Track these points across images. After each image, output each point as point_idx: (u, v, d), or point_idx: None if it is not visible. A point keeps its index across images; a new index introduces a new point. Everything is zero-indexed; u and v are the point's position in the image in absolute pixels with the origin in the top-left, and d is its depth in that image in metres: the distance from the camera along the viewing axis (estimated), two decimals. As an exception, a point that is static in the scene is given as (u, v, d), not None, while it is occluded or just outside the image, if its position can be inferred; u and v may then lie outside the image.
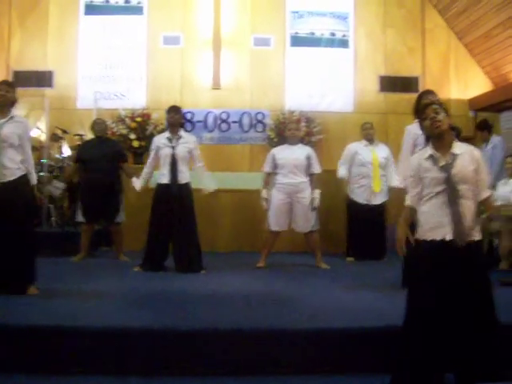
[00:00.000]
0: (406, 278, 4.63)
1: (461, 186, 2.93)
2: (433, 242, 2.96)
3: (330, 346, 3.47)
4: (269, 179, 6.28)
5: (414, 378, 2.93)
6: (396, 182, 6.55)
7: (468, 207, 2.94)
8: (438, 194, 2.97)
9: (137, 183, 6.02)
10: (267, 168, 6.27)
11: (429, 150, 3.04)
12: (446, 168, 2.94)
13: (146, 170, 6.03)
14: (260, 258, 6.20)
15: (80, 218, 6.53)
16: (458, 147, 3.03)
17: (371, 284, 5.11)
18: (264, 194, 6.21)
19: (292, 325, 3.59)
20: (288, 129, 6.41)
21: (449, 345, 2.92)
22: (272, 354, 3.43)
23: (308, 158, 6.21)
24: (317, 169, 6.25)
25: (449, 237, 2.92)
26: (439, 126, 2.99)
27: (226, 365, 3.38)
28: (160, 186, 5.80)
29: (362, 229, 6.80)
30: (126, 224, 6.69)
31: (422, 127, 3.14)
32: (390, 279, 5.13)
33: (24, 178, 4.47)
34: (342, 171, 6.92)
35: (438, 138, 3.02)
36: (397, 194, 5.87)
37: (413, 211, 3.13)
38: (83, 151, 6.66)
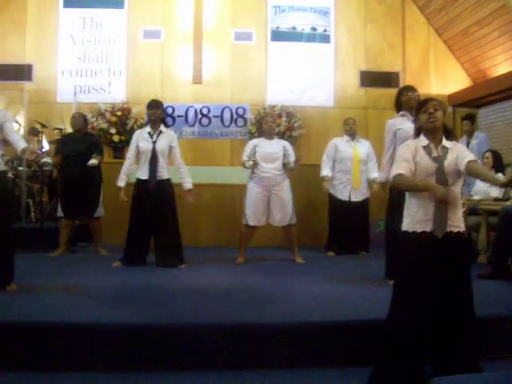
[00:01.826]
0: (390, 269, 4.68)
1: (450, 179, 3.01)
2: (421, 233, 3.02)
3: (310, 341, 3.49)
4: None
5: (399, 369, 2.96)
6: (375, 174, 6.61)
7: (454, 198, 3.01)
8: None
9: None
10: (245, 157, 6.16)
11: (425, 140, 3.11)
12: (439, 159, 3.03)
13: (126, 164, 5.86)
14: (238, 253, 6.20)
15: (60, 212, 6.48)
16: (447, 143, 3.12)
17: (352, 278, 5.15)
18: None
19: (272, 319, 3.60)
20: (265, 122, 6.32)
21: (430, 334, 2.98)
22: (251, 348, 3.44)
23: (284, 149, 6.16)
24: (291, 161, 6.15)
25: (430, 228, 2.99)
26: (434, 121, 3.08)
27: (205, 359, 3.39)
28: (139, 181, 5.77)
29: (343, 224, 6.82)
30: (107, 218, 6.65)
31: (417, 119, 3.21)
32: (371, 273, 5.18)
33: (3, 174, 4.40)
34: (325, 171, 6.89)
35: (431, 132, 3.11)
36: (377, 186, 5.91)
37: (406, 175, 3.04)
38: (63, 145, 6.57)
